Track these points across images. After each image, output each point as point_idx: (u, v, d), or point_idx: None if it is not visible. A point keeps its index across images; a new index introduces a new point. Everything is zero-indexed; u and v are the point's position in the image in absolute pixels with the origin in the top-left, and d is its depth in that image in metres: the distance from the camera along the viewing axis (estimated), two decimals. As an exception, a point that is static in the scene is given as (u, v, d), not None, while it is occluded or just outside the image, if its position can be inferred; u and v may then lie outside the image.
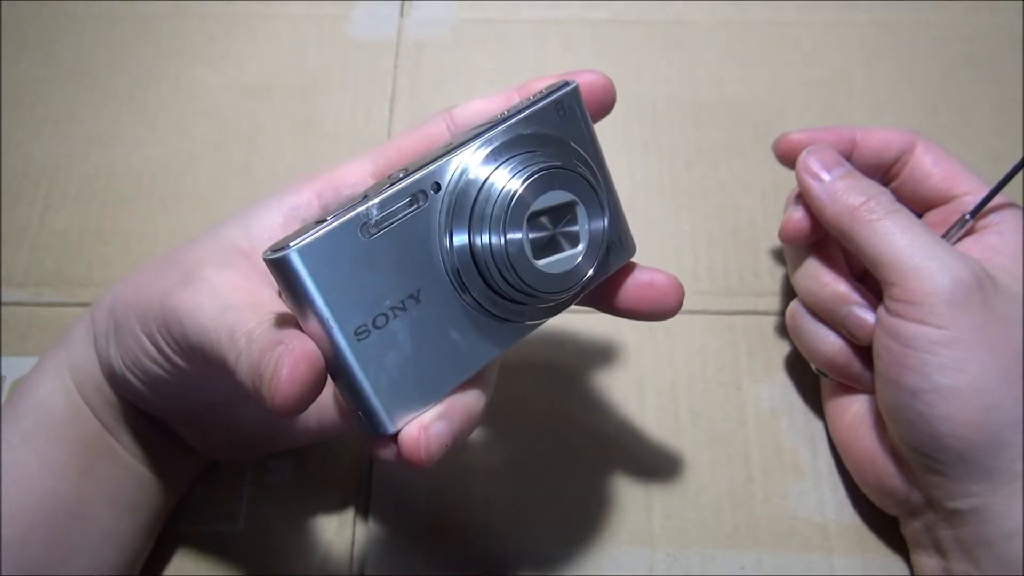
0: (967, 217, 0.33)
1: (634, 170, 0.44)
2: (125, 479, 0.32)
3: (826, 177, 0.33)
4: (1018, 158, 0.44)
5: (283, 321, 0.24)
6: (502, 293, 0.26)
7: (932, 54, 0.47)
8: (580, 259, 0.27)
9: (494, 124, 0.26)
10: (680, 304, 0.30)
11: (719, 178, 0.44)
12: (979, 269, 0.30)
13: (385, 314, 0.24)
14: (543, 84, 0.28)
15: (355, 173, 0.30)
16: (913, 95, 0.46)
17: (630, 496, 0.36)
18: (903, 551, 0.35)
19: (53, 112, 0.46)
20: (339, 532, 0.35)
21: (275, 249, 0.23)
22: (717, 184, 0.44)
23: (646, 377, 0.39)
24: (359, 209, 0.24)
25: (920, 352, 0.30)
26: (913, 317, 0.30)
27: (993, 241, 0.33)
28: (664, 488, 0.36)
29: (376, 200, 0.24)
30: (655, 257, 0.42)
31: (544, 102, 0.27)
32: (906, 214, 0.32)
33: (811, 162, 0.33)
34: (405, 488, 0.36)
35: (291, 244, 0.23)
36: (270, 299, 0.26)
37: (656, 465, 0.37)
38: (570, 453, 0.37)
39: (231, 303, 0.26)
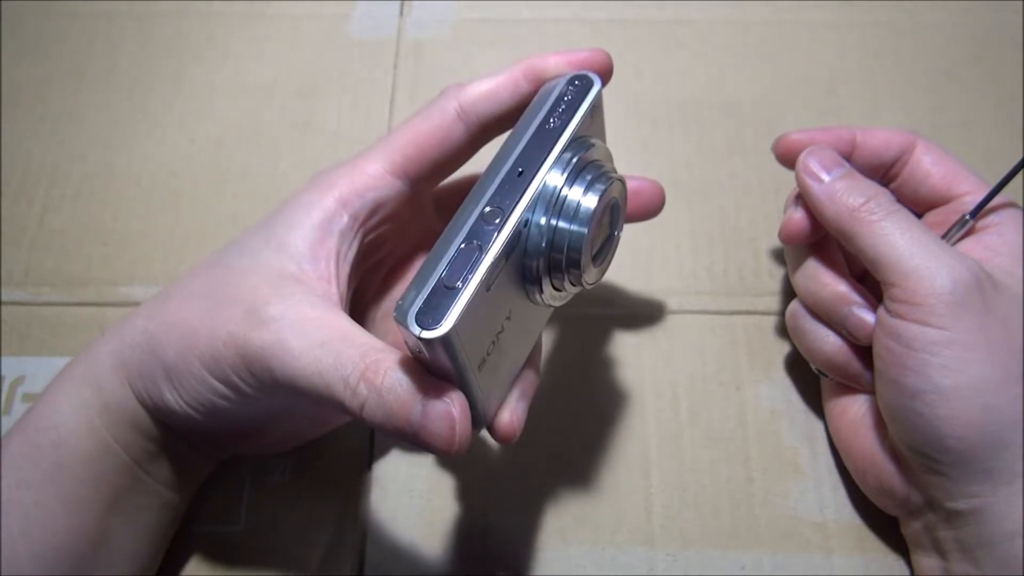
0: (967, 217, 0.33)
1: (634, 170, 0.44)
2: (149, 505, 0.32)
3: (825, 178, 0.33)
4: (1018, 158, 0.44)
5: (398, 360, 0.25)
6: (562, 289, 0.28)
7: (932, 54, 0.47)
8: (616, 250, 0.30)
9: (547, 141, 0.27)
10: (663, 202, 0.36)
11: (719, 178, 0.44)
12: (979, 270, 0.30)
13: (494, 340, 0.26)
14: (546, 64, 0.30)
15: (373, 174, 0.30)
16: (913, 95, 0.46)
17: (630, 496, 0.36)
18: (903, 551, 0.35)
19: (53, 111, 0.46)
20: (339, 532, 0.35)
21: (424, 325, 0.23)
22: (717, 184, 0.44)
23: (646, 377, 0.39)
24: (483, 269, 0.24)
25: (920, 352, 0.30)
26: (913, 318, 0.30)
27: (993, 241, 0.33)
28: (664, 488, 0.36)
29: (492, 258, 0.25)
30: (655, 256, 0.42)
31: (583, 109, 0.28)
32: (906, 215, 0.32)
33: (811, 163, 0.33)
34: (405, 488, 0.36)
35: (443, 321, 0.23)
36: (350, 327, 0.27)
37: (656, 465, 0.37)
38: (570, 453, 0.37)
39: (318, 339, 0.26)
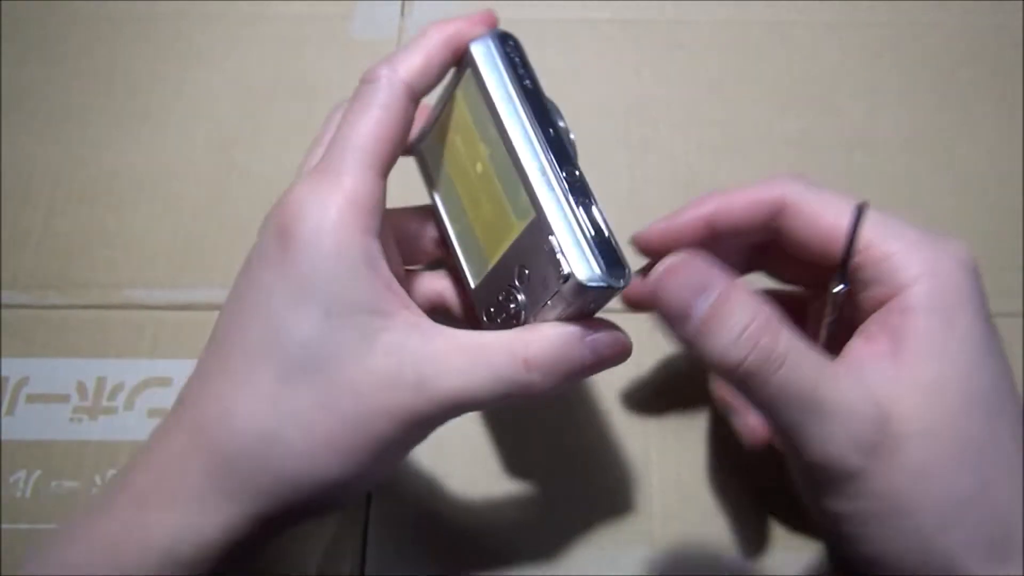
0: (837, 289, 0.26)
1: (634, 170, 0.44)
2: None
3: (693, 315, 0.24)
4: (1019, 158, 0.44)
5: (532, 334, 0.26)
6: None
7: (932, 54, 0.47)
8: None
9: (539, 101, 0.28)
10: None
11: (719, 178, 0.44)
12: (874, 432, 0.24)
13: None
14: (459, 29, 0.28)
15: (373, 189, 0.27)
16: (913, 95, 0.46)
17: (630, 496, 0.36)
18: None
19: (56, 114, 0.46)
20: (340, 532, 0.36)
21: (617, 275, 0.25)
22: (717, 184, 0.44)
23: (645, 377, 0.39)
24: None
25: (829, 513, 0.26)
26: (819, 483, 0.25)
27: (899, 339, 0.25)
28: (664, 488, 0.37)
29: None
30: (655, 258, 0.42)
31: (531, 66, 0.29)
32: (794, 360, 0.24)
33: (669, 298, 0.25)
34: (406, 488, 0.37)
35: (626, 266, 0.26)
36: (464, 334, 0.26)
37: (656, 465, 0.37)
38: (570, 453, 0.37)
39: (466, 366, 0.25)
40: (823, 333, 0.28)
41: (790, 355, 0.24)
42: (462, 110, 0.29)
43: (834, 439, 0.24)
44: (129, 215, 0.43)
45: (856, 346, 0.27)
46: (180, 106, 0.46)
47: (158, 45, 0.48)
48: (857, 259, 0.26)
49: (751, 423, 0.33)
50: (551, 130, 0.27)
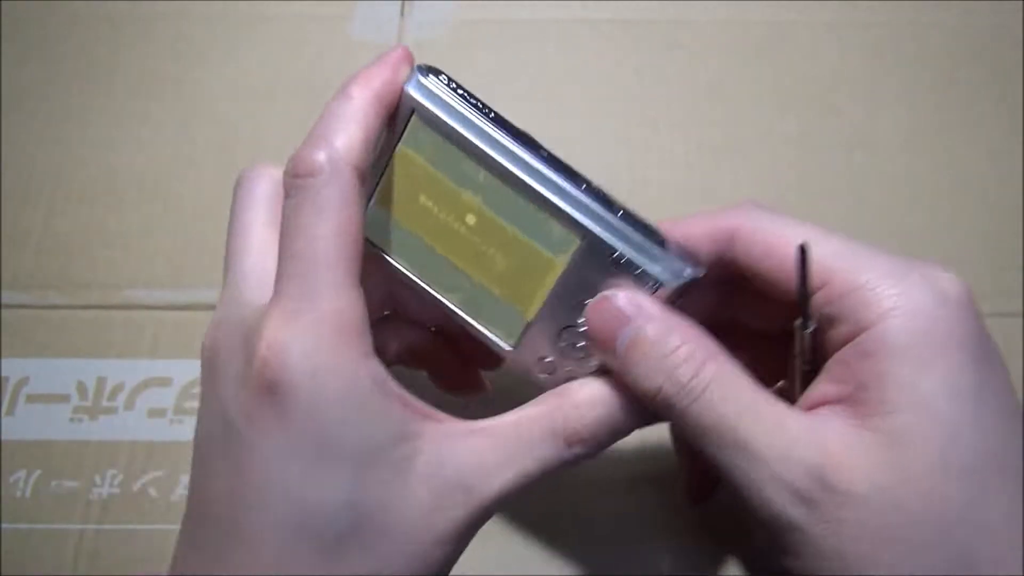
0: (807, 331, 0.24)
1: (634, 170, 0.44)
2: None
3: (618, 346, 0.24)
4: (1019, 158, 0.44)
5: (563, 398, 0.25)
6: None
7: (932, 54, 0.47)
8: None
9: (506, 123, 0.25)
10: None
11: (719, 178, 0.44)
12: (809, 481, 0.21)
13: None
14: (369, 87, 0.24)
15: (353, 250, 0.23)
16: (913, 95, 0.46)
17: (630, 496, 0.36)
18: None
19: (56, 115, 0.46)
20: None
21: (681, 269, 0.24)
22: (717, 184, 0.44)
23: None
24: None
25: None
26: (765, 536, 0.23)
27: (866, 391, 0.22)
28: (664, 488, 0.37)
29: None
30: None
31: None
32: (716, 390, 0.23)
33: (595, 329, 0.25)
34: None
35: (691, 258, 0.25)
36: (468, 425, 0.24)
37: (656, 465, 0.37)
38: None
39: (520, 450, 0.24)
40: (797, 377, 0.25)
41: (712, 387, 0.22)
42: (418, 165, 0.25)
43: (767, 485, 0.22)
44: (129, 215, 0.43)
45: (817, 389, 0.24)
46: (180, 106, 0.46)
47: (158, 45, 0.48)
48: (822, 292, 0.23)
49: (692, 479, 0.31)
50: (542, 151, 0.25)
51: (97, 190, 0.44)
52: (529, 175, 0.24)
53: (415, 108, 0.25)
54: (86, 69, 0.47)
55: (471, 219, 0.25)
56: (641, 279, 0.24)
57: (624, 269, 0.24)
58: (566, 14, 0.49)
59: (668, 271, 0.24)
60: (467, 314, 0.27)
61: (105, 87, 0.47)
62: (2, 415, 0.38)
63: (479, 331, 0.27)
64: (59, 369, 0.39)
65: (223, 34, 0.49)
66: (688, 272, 0.24)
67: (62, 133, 0.45)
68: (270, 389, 0.21)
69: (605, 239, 0.24)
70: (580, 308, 0.25)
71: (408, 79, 0.25)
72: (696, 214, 0.26)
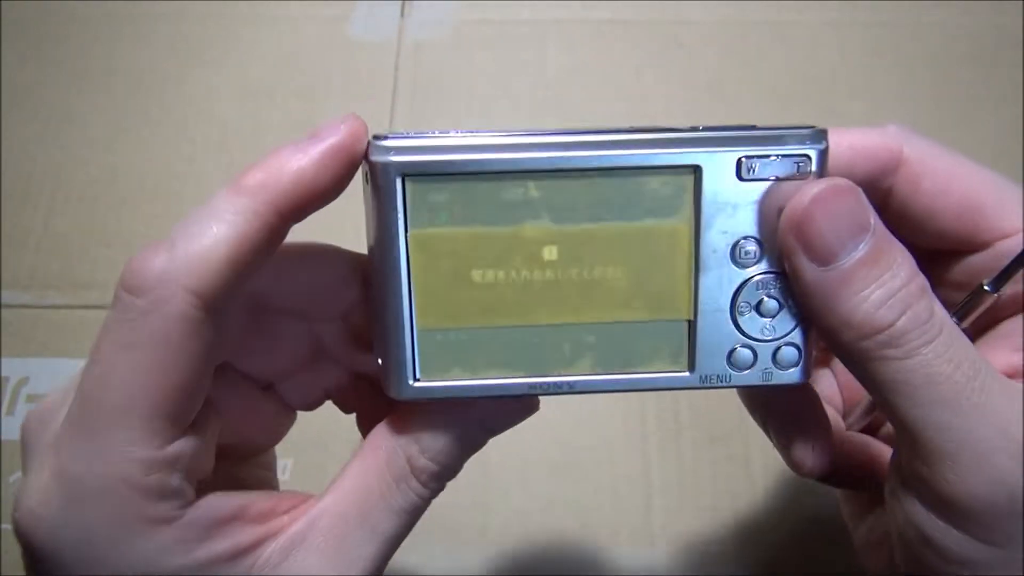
0: (985, 288, 0.21)
1: (634, 170, 0.44)
2: None
3: (840, 258, 0.19)
4: (1019, 158, 0.44)
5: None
6: None
7: (932, 54, 0.47)
8: None
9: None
10: None
11: (719, 178, 0.44)
12: None
13: None
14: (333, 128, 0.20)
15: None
16: (913, 95, 0.46)
17: (630, 496, 0.36)
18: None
19: (56, 115, 0.46)
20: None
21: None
22: (717, 184, 0.44)
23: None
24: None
25: (948, 565, 0.20)
26: (949, 520, 0.19)
27: None
28: (664, 488, 0.37)
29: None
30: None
31: None
32: (948, 343, 0.18)
33: (814, 231, 0.19)
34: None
35: None
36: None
37: (656, 465, 0.37)
38: (570, 453, 0.37)
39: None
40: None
41: (946, 331, 0.18)
42: (444, 238, 0.19)
43: (989, 459, 0.18)
44: (129, 215, 0.43)
45: (1000, 357, 0.21)
46: (179, 106, 0.46)
47: (158, 45, 0.48)
48: (1000, 244, 0.21)
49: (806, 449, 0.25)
50: (562, 130, 0.19)
51: (97, 190, 0.44)
52: (582, 150, 0.19)
53: (403, 172, 0.19)
54: (85, 69, 0.47)
55: (550, 252, 0.19)
56: (794, 166, 0.19)
57: (764, 170, 0.19)
58: (566, 14, 0.49)
59: (814, 148, 0.19)
60: (609, 373, 0.21)
61: (104, 87, 0.47)
62: (2, 415, 0.38)
63: (639, 382, 0.21)
64: (59, 369, 0.39)
65: (222, 34, 0.49)
66: (824, 143, 0.19)
67: (62, 133, 0.45)
68: (24, 549, 0.18)
69: (722, 152, 0.19)
70: (740, 253, 0.20)
71: (370, 152, 0.19)
72: (837, 128, 0.22)
